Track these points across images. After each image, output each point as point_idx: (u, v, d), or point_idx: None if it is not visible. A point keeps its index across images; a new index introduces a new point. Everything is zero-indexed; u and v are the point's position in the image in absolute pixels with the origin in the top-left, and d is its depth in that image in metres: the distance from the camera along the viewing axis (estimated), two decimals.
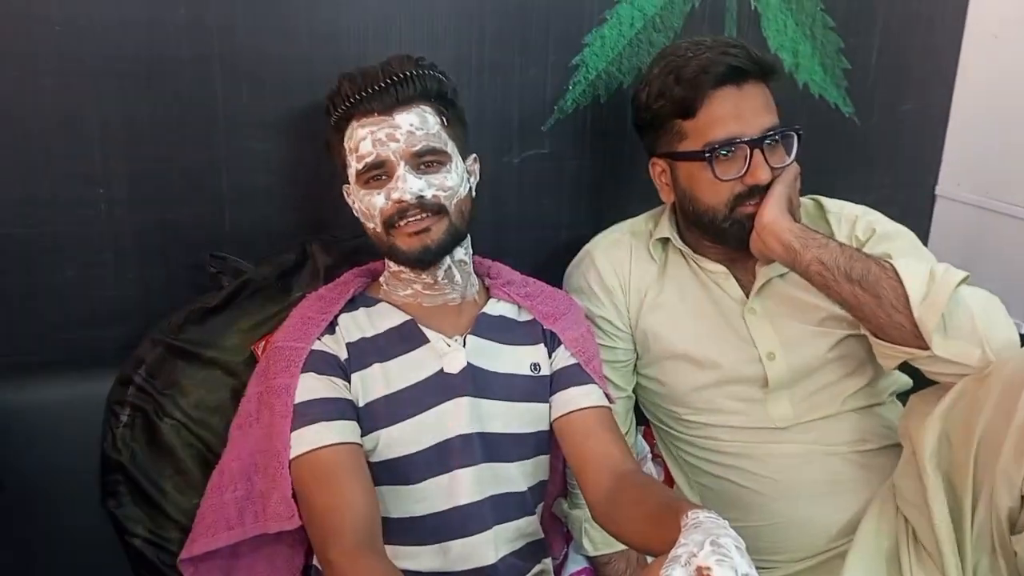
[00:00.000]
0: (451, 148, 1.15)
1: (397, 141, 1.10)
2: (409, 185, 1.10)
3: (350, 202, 1.19)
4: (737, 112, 1.19)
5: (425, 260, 1.14)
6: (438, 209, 1.13)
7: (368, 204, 1.13)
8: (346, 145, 1.14)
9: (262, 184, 1.35)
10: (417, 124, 1.11)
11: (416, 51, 1.19)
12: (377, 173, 1.12)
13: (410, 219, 1.12)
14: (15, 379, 1.25)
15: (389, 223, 1.12)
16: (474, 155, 1.22)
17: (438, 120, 1.14)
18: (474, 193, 1.20)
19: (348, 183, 1.17)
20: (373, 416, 1.12)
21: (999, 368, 1.06)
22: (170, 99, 1.28)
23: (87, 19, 1.22)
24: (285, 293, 1.28)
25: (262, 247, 1.34)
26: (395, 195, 1.10)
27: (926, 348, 1.09)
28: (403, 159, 1.11)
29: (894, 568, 1.17)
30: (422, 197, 1.11)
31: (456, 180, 1.14)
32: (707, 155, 1.20)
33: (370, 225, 1.15)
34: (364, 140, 1.11)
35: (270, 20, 1.30)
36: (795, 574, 1.27)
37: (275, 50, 1.31)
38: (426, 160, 1.12)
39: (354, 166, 1.13)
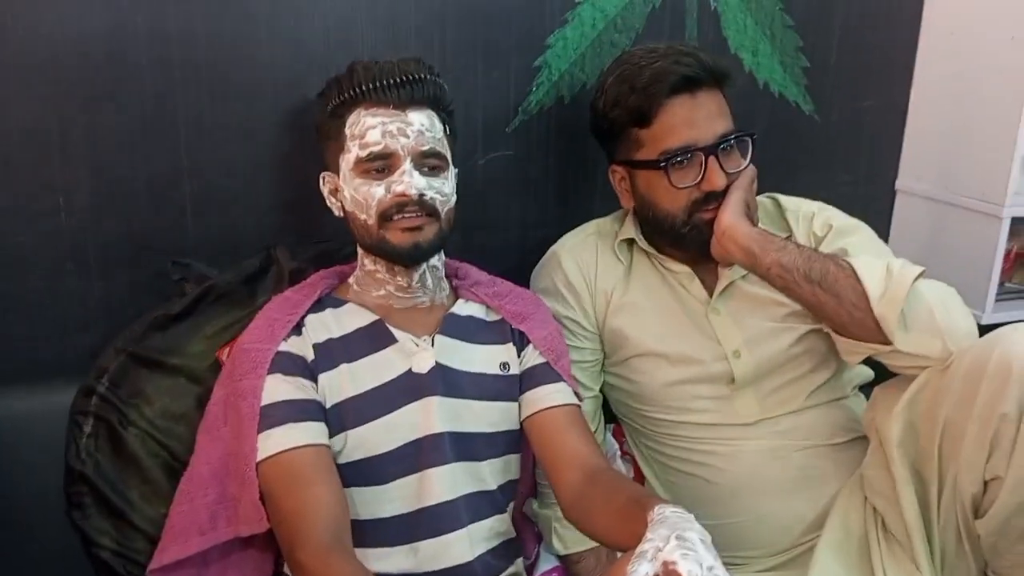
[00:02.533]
0: (449, 157, 1.18)
1: (408, 137, 1.12)
2: (415, 181, 1.11)
3: (329, 190, 1.19)
4: (691, 120, 1.21)
5: (414, 257, 1.15)
6: (434, 211, 1.14)
7: (364, 194, 1.13)
8: (347, 131, 1.14)
9: (225, 191, 1.34)
10: (428, 125, 1.14)
11: (379, 55, 1.20)
12: (380, 164, 1.13)
13: (407, 215, 1.12)
14: None
15: (385, 215, 1.13)
16: (456, 170, 1.23)
17: (442, 128, 1.17)
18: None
19: (336, 172, 1.17)
20: (341, 417, 1.12)
21: (959, 358, 1.08)
22: (131, 107, 1.27)
23: (47, 27, 1.21)
24: (250, 298, 1.27)
25: (227, 254, 1.33)
26: (399, 188, 1.11)
27: (888, 343, 1.11)
28: (410, 155, 1.12)
29: (864, 556, 1.18)
30: (423, 196, 1.12)
31: (451, 188, 1.17)
32: (663, 164, 1.21)
33: (361, 216, 1.15)
34: (373, 129, 1.12)
35: (230, 26, 1.29)
36: (768, 570, 1.28)
37: (236, 57, 1.31)
38: (430, 163, 1.14)
39: (355, 152, 1.13)
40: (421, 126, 1.13)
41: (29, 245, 1.26)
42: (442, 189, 1.15)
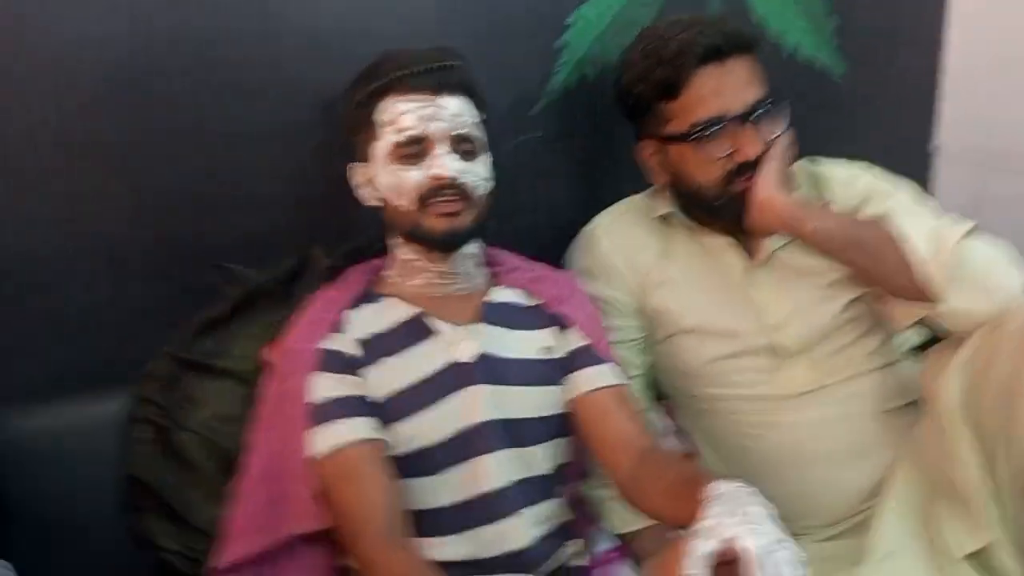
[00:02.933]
0: (482, 143, 1.18)
1: (441, 121, 1.13)
2: (450, 163, 1.12)
3: (358, 181, 1.19)
4: (720, 89, 1.19)
5: (451, 243, 1.15)
6: (469, 195, 1.14)
7: (401, 179, 1.14)
8: (378, 119, 1.14)
9: (260, 193, 1.34)
10: (461, 110, 1.15)
11: (400, 43, 1.19)
12: (415, 149, 1.13)
13: (444, 198, 1.13)
14: (26, 404, 1.25)
15: (423, 199, 1.13)
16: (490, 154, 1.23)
17: (476, 113, 1.17)
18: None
19: (365, 160, 1.17)
20: (389, 411, 1.12)
21: (1012, 316, 1.06)
22: (163, 113, 1.27)
23: (73, 35, 1.21)
24: (290, 298, 1.27)
25: (265, 255, 1.33)
26: (434, 171, 1.12)
27: (937, 304, 1.09)
28: (445, 139, 1.13)
29: (928, 523, 1.16)
30: (458, 179, 1.12)
31: (486, 172, 1.17)
32: (693, 136, 1.19)
33: (396, 201, 1.15)
34: (406, 114, 1.12)
35: (253, 26, 1.29)
36: (828, 539, 1.26)
37: (260, 57, 1.30)
38: (464, 147, 1.15)
39: (389, 138, 1.13)
40: (456, 110, 1.13)
41: (69, 255, 1.27)
42: (477, 172, 1.15)
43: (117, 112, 1.25)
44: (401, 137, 1.13)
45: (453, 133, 1.13)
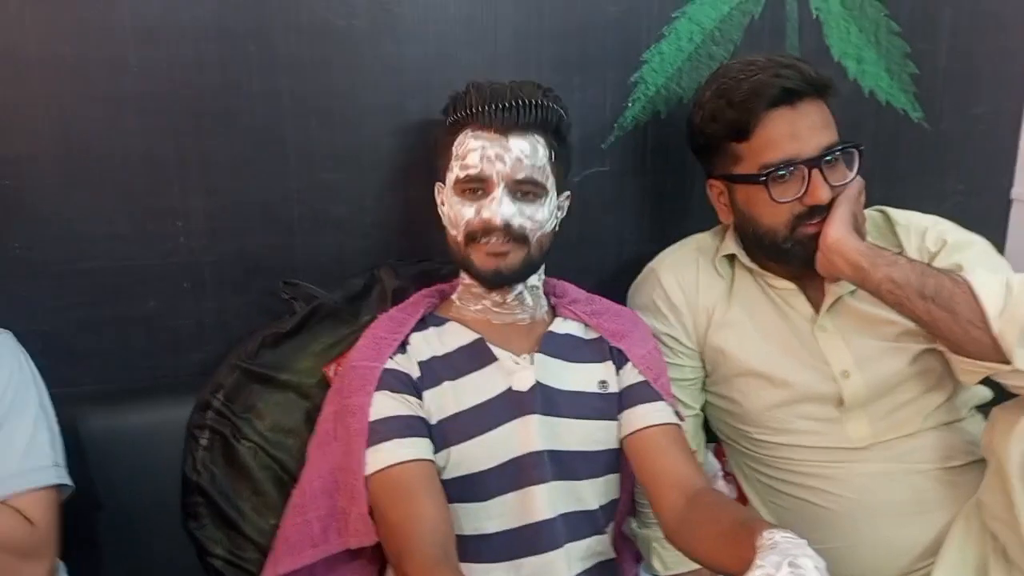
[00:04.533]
0: (551, 184, 1.17)
1: (504, 163, 1.13)
2: (503, 209, 1.13)
3: (439, 200, 1.22)
4: (792, 132, 1.18)
5: (495, 282, 1.17)
6: (521, 238, 1.15)
7: (457, 212, 1.16)
8: (454, 150, 1.17)
9: (332, 214, 1.39)
10: (528, 152, 1.14)
11: (476, 73, 1.22)
12: (475, 186, 1.15)
13: (492, 240, 1.14)
14: (104, 405, 1.31)
15: (471, 237, 1.15)
16: (568, 192, 1.24)
17: (547, 153, 1.16)
18: (558, 228, 1.22)
19: (444, 184, 1.20)
20: (444, 433, 1.14)
21: None
22: (243, 134, 1.32)
23: (167, 56, 1.27)
24: (355, 317, 1.31)
25: (333, 274, 1.37)
26: (486, 213, 1.13)
27: (1007, 363, 1.06)
28: (504, 181, 1.13)
29: None
30: (510, 224, 1.13)
31: (546, 215, 1.17)
32: (763, 178, 1.19)
33: (452, 232, 1.18)
34: (473, 152, 1.14)
35: (335, 54, 1.34)
36: None
37: (342, 84, 1.35)
38: (524, 189, 1.15)
39: (456, 172, 1.16)
40: (520, 153, 1.13)
41: (149, 267, 1.33)
42: (534, 216, 1.15)
43: (202, 132, 1.31)
44: (463, 173, 1.15)
45: (514, 177, 1.13)
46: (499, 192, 1.13)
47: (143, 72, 1.27)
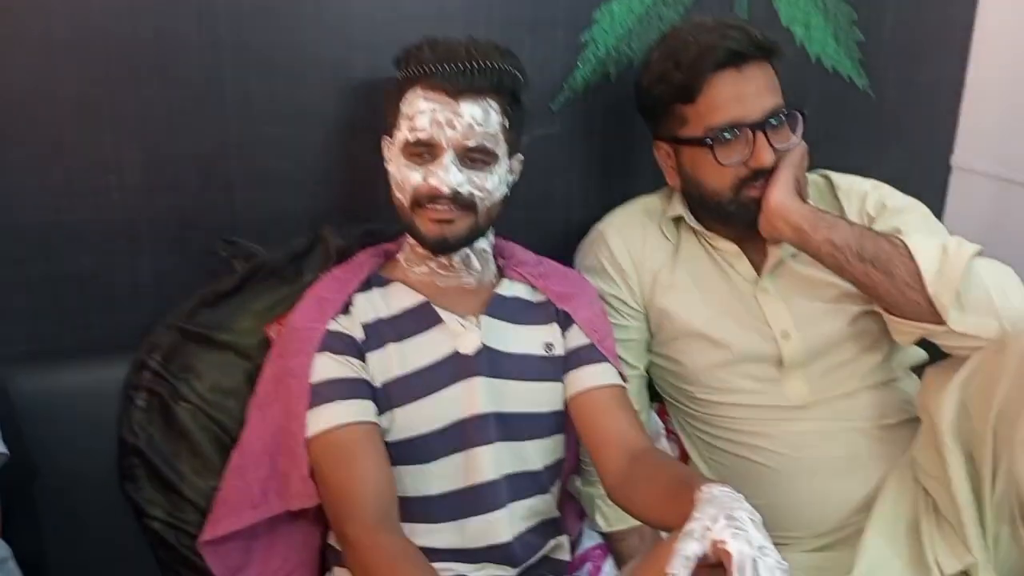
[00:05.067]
0: (502, 150, 1.14)
1: (454, 129, 1.09)
2: (450, 177, 1.10)
3: (386, 156, 1.18)
4: (738, 95, 1.18)
5: (440, 248, 1.15)
6: (469, 206, 1.12)
7: (404, 176, 1.13)
8: (403, 108, 1.13)
9: (274, 170, 1.35)
10: (480, 119, 1.10)
11: (425, 30, 1.18)
12: (424, 151, 1.11)
13: (438, 207, 1.11)
14: (35, 365, 1.26)
15: (417, 202, 1.12)
16: (520, 155, 1.21)
17: (500, 119, 1.12)
18: (508, 193, 1.19)
19: (391, 139, 1.16)
20: (389, 396, 1.13)
21: (1016, 339, 1.05)
22: (181, 85, 1.28)
23: (99, 6, 1.22)
24: (297, 276, 1.28)
25: (275, 232, 1.34)
26: (433, 180, 1.10)
27: (942, 323, 1.09)
28: (453, 148, 1.10)
29: (914, 540, 1.16)
30: (458, 192, 1.11)
31: (495, 183, 1.14)
32: (708, 140, 1.19)
33: (399, 195, 1.15)
34: (423, 115, 1.10)
35: (280, 3, 1.30)
36: (815, 550, 1.26)
37: (285, 36, 1.31)
38: (474, 157, 1.12)
39: (404, 134, 1.12)
40: (472, 119, 1.10)
41: (82, 222, 1.29)
42: (483, 184, 1.12)
43: (138, 83, 1.26)
44: (412, 137, 1.11)
45: (464, 143, 1.10)
46: (447, 159, 1.10)
47: (74, 17, 1.21)
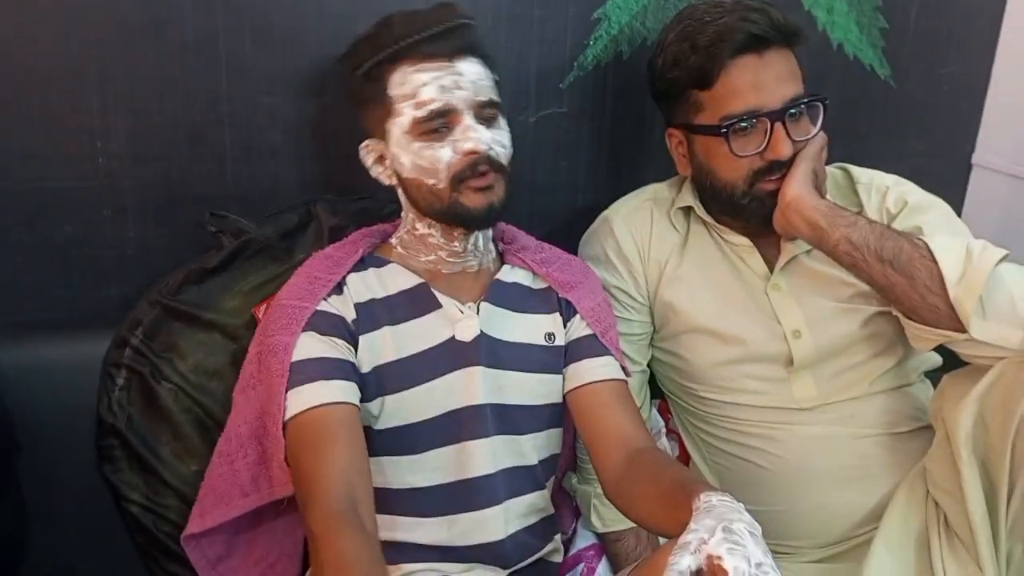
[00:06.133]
0: (502, 106, 1.10)
1: (464, 89, 1.04)
2: (482, 135, 1.04)
3: (373, 159, 1.12)
4: (757, 83, 1.12)
5: (488, 219, 1.09)
6: (499, 166, 1.07)
7: (430, 159, 1.05)
8: (393, 93, 1.06)
9: (267, 141, 1.30)
10: (480, 74, 1.07)
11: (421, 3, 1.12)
12: (439, 123, 1.05)
13: (480, 173, 1.05)
14: (16, 336, 1.22)
15: (459, 178, 1.05)
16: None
17: (489, 71, 1.09)
18: None
19: (383, 138, 1.09)
20: (380, 380, 1.08)
21: None
22: (172, 50, 1.23)
23: None
24: (288, 254, 1.24)
25: (266, 206, 1.29)
26: (467, 145, 1.04)
27: (963, 331, 1.04)
28: (470, 108, 1.05)
29: (923, 555, 1.12)
30: (491, 152, 1.05)
31: (509, 139, 1.10)
32: (724, 130, 1.13)
33: (428, 181, 1.06)
34: (427, 86, 1.04)
35: None
36: (818, 561, 1.22)
37: (285, 2, 1.25)
38: (487, 113, 1.07)
39: (410, 114, 1.05)
40: (475, 75, 1.06)
41: (65, 190, 1.24)
42: (503, 141, 1.08)
43: (125, 47, 1.21)
44: (423, 112, 1.04)
45: (477, 100, 1.05)
46: (468, 120, 1.05)
47: None
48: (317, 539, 0.92)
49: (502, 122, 1.10)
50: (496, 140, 1.07)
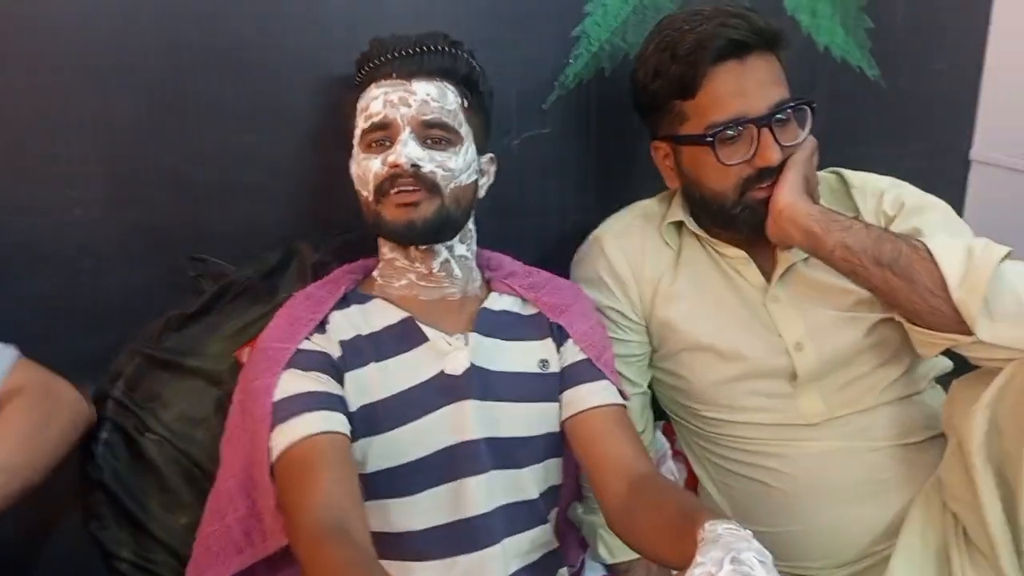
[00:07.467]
0: (465, 132, 1.09)
1: (408, 106, 1.06)
2: (408, 150, 1.04)
3: (352, 170, 1.13)
4: (740, 89, 1.10)
5: (409, 236, 1.07)
6: (431, 186, 1.06)
7: (364, 168, 1.07)
8: (359, 107, 1.10)
9: (244, 181, 1.28)
10: (435, 95, 1.07)
11: (406, 28, 1.12)
12: (381, 136, 1.07)
13: (401, 188, 1.05)
14: None
15: (380, 190, 1.06)
16: (491, 155, 1.16)
17: (458, 99, 1.09)
18: (481, 193, 1.15)
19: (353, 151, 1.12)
20: (369, 420, 1.04)
21: None
22: (142, 93, 1.21)
23: (57, 8, 1.16)
24: (271, 294, 1.21)
25: (246, 247, 1.27)
26: (391, 158, 1.04)
27: (969, 333, 1.00)
28: (410, 125, 1.06)
29: (944, 570, 1.08)
30: (418, 167, 1.04)
31: (460, 165, 1.07)
32: (710, 138, 1.11)
33: (362, 192, 1.09)
34: (376, 100, 1.07)
35: (248, 6, 1.23)
36: None
37: (255, 38, 1.24)
38: (434, 134, 1.06)
39: (360, 126, 1.09)
40: (427, 95, 1.06)
41: (44, 241, 1.22)
42: (446, 163, 1.06)
43: (97, 90, 1.20)
44: (367, 124, 1.07)
45: (421, 118, 1.06)
46: (405, 135, 1.05)
47: (28, 21, 1.15)
48: (304, 561, 0.89)
49: (458, 148, 1.08)
50: (435, 160, 1.06)
